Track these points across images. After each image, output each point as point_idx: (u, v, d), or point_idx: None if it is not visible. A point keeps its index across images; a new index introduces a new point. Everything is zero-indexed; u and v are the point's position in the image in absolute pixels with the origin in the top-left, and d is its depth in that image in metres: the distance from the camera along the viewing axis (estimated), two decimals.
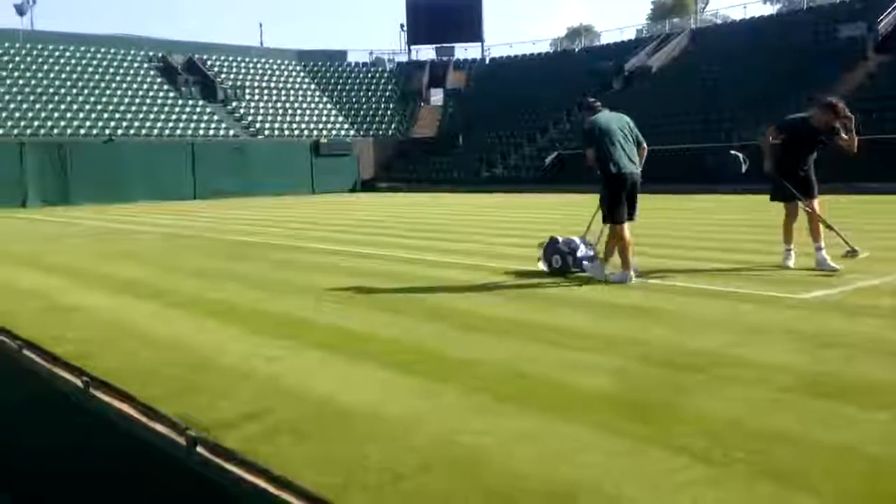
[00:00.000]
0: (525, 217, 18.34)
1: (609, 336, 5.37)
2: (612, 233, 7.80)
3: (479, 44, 51.49)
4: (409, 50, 51.75)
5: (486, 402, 3.98)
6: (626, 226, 7.68)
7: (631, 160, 7.74)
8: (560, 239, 8.37)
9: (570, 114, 39.83)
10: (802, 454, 3.17)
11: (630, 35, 47.99)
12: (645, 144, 8.10)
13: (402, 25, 52.55)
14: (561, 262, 8.22)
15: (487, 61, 51.47)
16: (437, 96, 48.06)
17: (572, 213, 18.49)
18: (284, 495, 1.56)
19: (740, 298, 6.70)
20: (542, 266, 8.35)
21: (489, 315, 6.25)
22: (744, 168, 27.27)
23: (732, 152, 27.65)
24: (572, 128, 38.48)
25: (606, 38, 51.74)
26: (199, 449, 1.81)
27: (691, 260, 9.31)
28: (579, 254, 8.20)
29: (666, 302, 6.58)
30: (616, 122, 7.92)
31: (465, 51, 51.71)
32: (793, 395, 3.96)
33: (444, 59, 50.73)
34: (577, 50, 50.68)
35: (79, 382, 2.35)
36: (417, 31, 50.95)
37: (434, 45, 51.18)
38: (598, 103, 8.36)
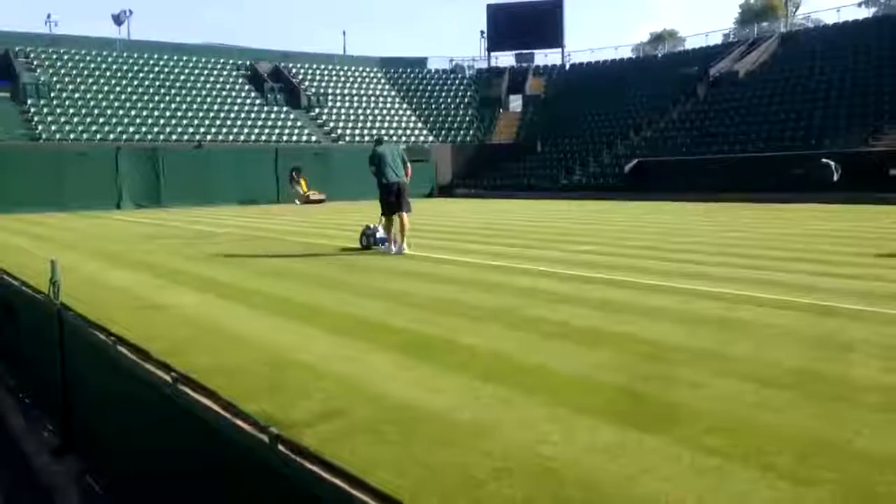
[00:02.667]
0: (605, 225, 18.05)
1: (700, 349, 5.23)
2: (388, 222, 11.93)
3: (560, 50, 51.17)
4: (489, 56, 51.85)
5: (563, 411, 3.93)
6: (405, 216, 11.74)
7: (396, 175, 11.85)
8: (371, 227, 12.29)
9: (651, 122, 39.09)
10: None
11: (716, 40, 46.79)
12: (409, 165, 12.28)
13: (482, 32, 52.76)
14: (367, 241, 12.24)
15: (567, 67, 51.04)
16: (516, 102, 47.96)
17: (660, 221, 18.12)
18: (361, 495, 1.57)
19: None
20: (360, 244, 12.34)
21: (574, 325, 6.17)
22: (835, 177, 26.19)
23: (824, 160, 26.57)
24: (653, 135, 37.78)
25: (691, 43, 50.53)
26: (280, 447, 1.84)
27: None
28: (378, 235, 12.14)
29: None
30: (389, 150, 12.16)
31: (545, 57, 51.50)
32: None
33: (524, 65, 50.59)
34: (659, 55, 49.71)
35: (167, 378, 2.43)
36: (498, 37, 50.99)
37: (514, 52, 51.12)
38: (385, 138, 13.68)
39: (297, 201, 33.66)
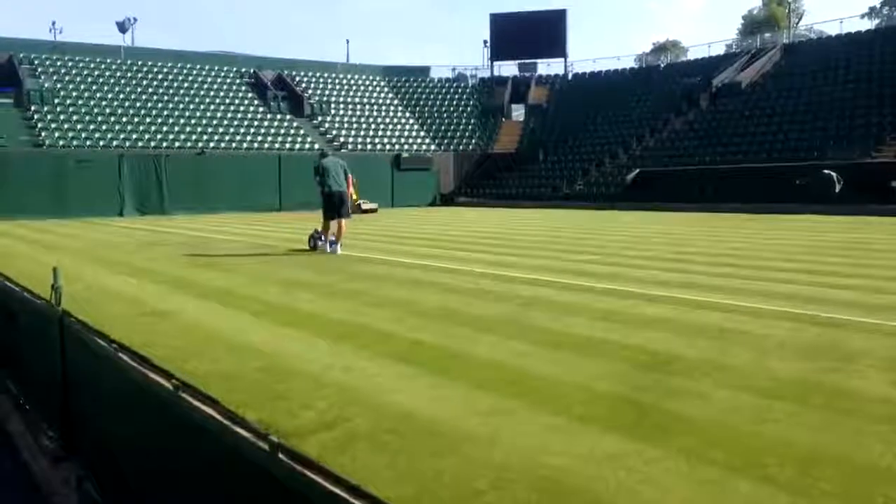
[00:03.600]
0: (608, 235, 18.06)
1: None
2: (326, 225, 13.39)
3: (562, 59, 51.33)
4: (492, 66, 52.00)
5: (563, 420, 3.92)
6: (344, 221, 13.31)
7: (338, 185, 13.25)
8: (317, 231, 13.77)
9: (654, 131, 39.16)
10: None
11: (719, 50, 46.89)
12: (352, 177, 13.75)
13: (485, 41, 52.92)
14: (314, 243, 13.83)
15: (570, 77, 51.17)
16: (518, 112, 48.07)
17: (662, 231, 18.13)
18: None
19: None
20: (308, 246, 13.91)
21: (575, 334, 6.17)
22: (837, 188, 26.21)
23: (825, 171, 26.60)
24: (655, 145, 37.84)
25: (694, 54, 50.66)
26: (281, 455, 1.84)
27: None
28: (322, 239, 13.61)
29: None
30: (332, 163, 13.53)
31: (548, 66, 51.62)
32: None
33: (527, 74, 50.74)
34: (662, 66, 49.82)
35: (169, 385, 2.43)
36: (501, 46, 51.16)
37: (517, 61, 51.26)
38: (329, 152, 14.71)
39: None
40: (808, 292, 8.12)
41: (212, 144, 37.11)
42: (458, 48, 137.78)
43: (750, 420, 3.89)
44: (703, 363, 5.09)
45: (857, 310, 7.01)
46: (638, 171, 34.57)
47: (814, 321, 6.54)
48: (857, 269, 10.26)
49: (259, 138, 39.15)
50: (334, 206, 13.13)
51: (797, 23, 60.59)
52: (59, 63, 39.13)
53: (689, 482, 3.12)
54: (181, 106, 39.56)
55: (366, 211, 31.12)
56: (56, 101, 36.18)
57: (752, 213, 25.35)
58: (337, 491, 1.65)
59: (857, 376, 4.73)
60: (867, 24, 49.92)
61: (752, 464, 3.29)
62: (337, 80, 47.67)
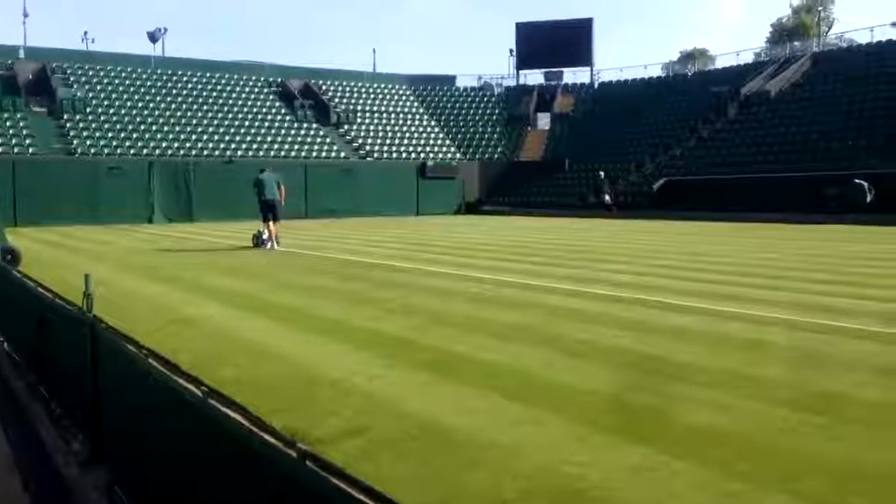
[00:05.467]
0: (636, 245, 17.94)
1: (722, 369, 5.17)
2: (266, 226, 16.65)
3: (589, 68, 51.14)
4: (518, 74, 51.98)
5: (589, 431, 3.90)
6: (273, 224, 16.69)
7: (272, 194, 16.79)
8: (259, 231, 16.82)
9: (680, 140, 38.88)
10: None
11: (747, 59, 46.44)
12: (283, 186, 17.37)
13: (511, 50, 52.92)
14: (256, 241, 16.81)
15: (596, 86, 50.98)
16: (544, 120, 47.94)
17: (689, 241, 17.96)
18: None
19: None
20: (252, 244, 16.89)
21: (601, 344, 6.13)
22: (868, 198, 25.79)
23: (857, 181, 26.20)
24: (682, 154, 37.56)
25: (722, 62, 50.21)
26: (309, 463, 1.85)
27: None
28: (264, 237, 16.66)
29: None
30: (268, 177, 17.24)
31: (574, 75, 51.44)
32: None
33: (553, 83, 50.62)
34: (690, 74, 49.47)
35: (197, 392, 2.46)
36: (527, 55, 51.11)
37: (543, 70, 51.18)
38: (267, 169, 18.18)
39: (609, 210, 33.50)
40: (840, 304, 8.00)
41: (239, 153, 37.47)
42: (484, 57, 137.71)
43: (779, 432, 3.84)
44: (731, 374, 5.03)
45: (889, 322, 6.89)
46: (665, 180, 34.31)
47: (846, 333, 6.43)
48: (888, 281, 10.09)
49: (286, 147, 39.46)
50: (268, 210, 16.75)
51: (827, 31, 59.92)
52: (91, 73, 39.79)
53: (718, 496, 3.08)
54: (210, 115, 40.02)
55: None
56: (88, 109, 36.78)
57: (780, 223, 25.00)
58: (364, 499, 1.66)
59: (889, 390, 4.65)
60: None
61: (782, 477, 3.24)
62: (363, 89, 47.93)
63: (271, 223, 16.62)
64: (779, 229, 22.27)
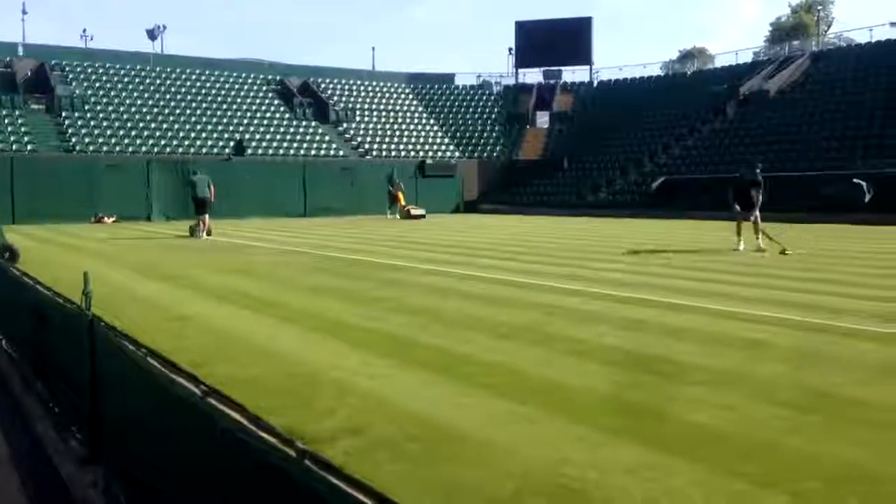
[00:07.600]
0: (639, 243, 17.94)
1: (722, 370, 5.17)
2: (198, 220, 19.90)
3: (588, 67, 51.11)
4: (517, 73, 51.93)
5: (586, 430, 3.90)
6: (206, 217, 19.94)
7: (203, 193, 19.98)
8: (193, 225, 20.15)
9: (679, 139, 38.88)
10: None
11: (746, 58, 46.42)
12: (213, 186, 20.50)
13: (510, 49, 52.89)
14: (191, 232, 19.90)
15: (595, 84, 50.96)
16: (543, 119, 47.91)
17: (687, 240, 17.99)
18: None
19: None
20: (189, 234, 19.96)
21: (599, 343, 6.14)
22: (867, 197, 25.81)
23: (855, 180, 26.21)
24: (681, 153, 37.56)
25: (721, 61, 50.19)
26: (307, 462, 1.85)
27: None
28: (198, 228, 19.67)
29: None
30: (200, 178, 20.70)
31: (573, 74, 51.42)
32: None
33: (552, 81, 50.59)
34: (689, 73, 49.46)
35: (196, 390, 2.46)
36: (526, 54, 51.08)
37: (542, 69, 51.14)
38: (199, 171, 22.10)
39: (397, 216, 31.41)
40: (837, 304, 8.00)
41: (239, 151, 37.43)
42: (483, 55, 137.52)
43: (779, 432, 3.84)
44: (730, 374, 5.03)
45: (887, 321, 6.90)
46: (663, 178, 34.32)
47: (845, 333, 6.44)
48: (883, 282, 10.10)
49: (285, 145, 39.43)
50: (200, 206, 20.01)
51: (826, 31, 59.95)
52: (89, 70, 39.73)
53: (718, 496, 3.09)
54: (209, 112, 39.98)
55: (414, 216, 30.62)
56: (86, 107, 36.73)
57: (779, 222, 24.94)
58: (364, 499, 1.66)
59: (889, 389, 4.66)
60: None
61: (782, 478, 3.24)
62: (362, 88, 47.90)
63: (206, 217, 20.01)
64: (778, 229, 22.24)
